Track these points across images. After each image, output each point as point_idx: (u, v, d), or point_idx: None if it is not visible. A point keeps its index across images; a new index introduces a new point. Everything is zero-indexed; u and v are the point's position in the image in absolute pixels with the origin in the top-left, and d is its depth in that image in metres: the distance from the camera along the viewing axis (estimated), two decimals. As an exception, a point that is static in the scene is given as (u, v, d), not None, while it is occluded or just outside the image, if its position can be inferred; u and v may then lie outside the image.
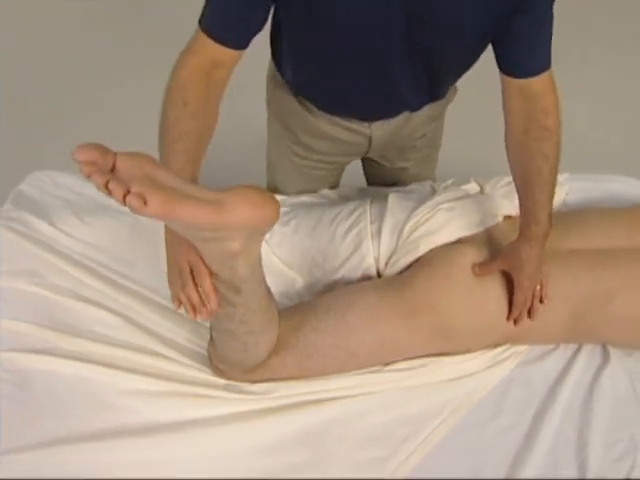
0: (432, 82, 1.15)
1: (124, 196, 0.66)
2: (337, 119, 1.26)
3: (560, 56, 2.49)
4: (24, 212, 1.27)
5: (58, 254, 1.22)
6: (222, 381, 1.10)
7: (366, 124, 1.26)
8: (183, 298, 0.96)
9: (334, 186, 1.50)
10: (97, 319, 1.15)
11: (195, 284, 0.93)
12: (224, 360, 1.08)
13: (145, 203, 0.67)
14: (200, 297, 0.94)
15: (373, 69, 1.07)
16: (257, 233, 0.87)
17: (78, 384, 1.06)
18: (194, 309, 0.96)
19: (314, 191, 1.45)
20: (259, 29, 0.99)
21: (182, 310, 0.99)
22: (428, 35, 1.00)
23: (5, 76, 2.54)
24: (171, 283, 0.99)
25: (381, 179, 1.52)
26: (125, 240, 1.27)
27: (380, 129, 1.28)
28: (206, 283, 0.91)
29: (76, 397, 1.05)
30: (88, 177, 0.65)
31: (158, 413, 1.05)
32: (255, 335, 1.03)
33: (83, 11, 2.82)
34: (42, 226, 1.26)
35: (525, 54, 1.02)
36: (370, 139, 1.30)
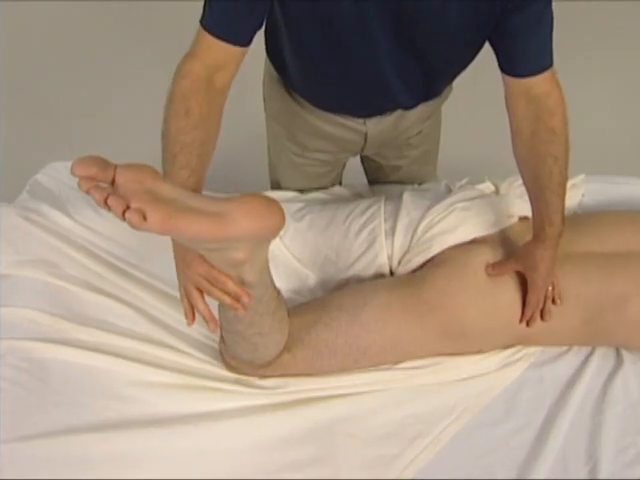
0: (427, 81, 1.15)
1: (123, 212, 0.64)
2: (331, 116, 1.25)
3: (575, 56, 2.47)
4: (41, 202, 1.28)
5: (74, 245, 1.23)
6: (233, 375, 1.11)
7: (361, 121, 1.26)
8: (204, 310, 0.95)
9: (335, 182, 1.50)
10: (111, 311, 1.16)
11: (202, 297, 0.93)
12: (235, 357, 1.08)
13: (145, 219, 0.65)
14: (209, 309, 0.94)
15: (365, 68, 1.07)
16: (262, 241, 0.86)
17: (91, 374, 1.07)
18: (211, 319, 0.96)
19: (316, 188, 1.45)
20: (260, 24, 0.99)
21: (195, 325, 0.98)
22: (415, 34, 1.00)
23: (15, 71, 2.55)
24: (183, 297, 0.99)
25: (380, 177, 1.52)
26: (139, 233, 1.27)
27: (375, 126, 1.27)
28: (229, 283, 0.89)
29: (89, 387, 1.06)
30: (87, 192, 0.64)
31: (169, 405, 1.06)
32: (264, 336, 1.03)
33: (89, 6, 2.83)
34: (58, 217, 1.26)
35: (525, 53, 1.00)
36: (365, 136, 1.29)
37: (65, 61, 2.63)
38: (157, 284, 1.21)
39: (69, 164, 1.49)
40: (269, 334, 1.03)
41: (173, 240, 0.95)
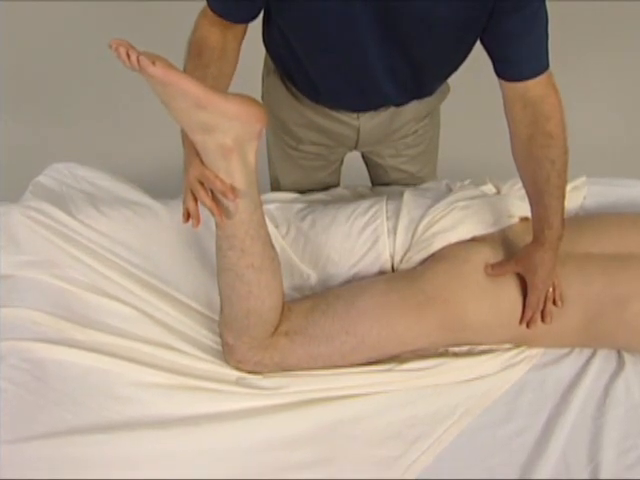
0: (417, 80, 1.15)
1: (138, 56, 0.78)
2: (325, 109, 1.26)
3: (575, 57, 2.46)
4: (43, 202, 1.28)
5: (76, 245, 1.23)
6: (234, 374, 1.11)
7: (354, 115, 1.26)
8: (193, 207, 0.98)
9: (333, 179, 1.50)
10: (112, 311, 1.16)
11: (194, 196, 0.98)
12: (232, 326, 1.08)
13: (153, 64, 0.79)
14: (197, 208, 0.98)
15: (353, 65, 1.08)
16: (248, 133, 0.93)
17: (91, 375, 1.07)
18: (196, 216, 0.99)
19: (313, 183, 1.45)
20: (261, 6, 1.03)
21: (189, 223, 1.00)
22: (401, 34, 1.00)
23: (17, 73, 2.55)
24: (183, 202, 1.01)
25: (381, 177, 1.52)
26: (142, 232, 1.27)
27: (368, 121, 1.27)
28: (217, 181, 0.95)
29: (89, 388, 1.06)
30: (115, 49, 0.78)
31: (170, 406, 1.06)
32: (256, 271, 1.04)
33: (90, 6, 2.83)
34: (61, 216, 1.26)
35: (519, 56, 1.00)
36: (358, 131, 1.30)
37: (67, 62, 2.63)
38: (158, 284, 1.21)
39: (71, 165, 1.51)
40: (260, 269, 1.04)
41: (184, 143, 0.99)
